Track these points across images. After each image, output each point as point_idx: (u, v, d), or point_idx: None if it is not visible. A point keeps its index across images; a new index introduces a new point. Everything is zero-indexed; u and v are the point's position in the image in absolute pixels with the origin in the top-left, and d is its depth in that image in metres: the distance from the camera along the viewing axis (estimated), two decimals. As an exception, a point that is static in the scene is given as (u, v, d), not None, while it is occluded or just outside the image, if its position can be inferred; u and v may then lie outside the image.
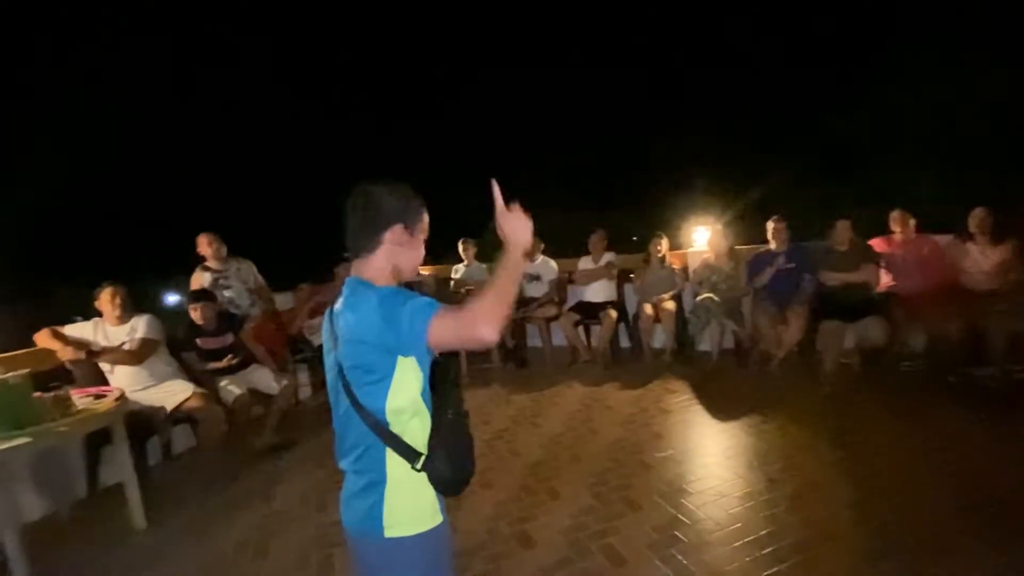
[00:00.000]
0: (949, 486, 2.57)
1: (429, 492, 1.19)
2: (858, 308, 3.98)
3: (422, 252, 1.28)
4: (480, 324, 1.03)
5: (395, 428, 1.16)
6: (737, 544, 2.31)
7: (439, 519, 1.21)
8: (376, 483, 1.17)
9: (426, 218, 1.27)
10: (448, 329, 1.06)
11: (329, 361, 1.24)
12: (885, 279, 4.24)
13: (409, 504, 1.17)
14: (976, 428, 3.13)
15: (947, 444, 2.97)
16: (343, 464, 1.24)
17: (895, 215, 4.24)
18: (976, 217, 3.96)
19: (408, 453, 1.15)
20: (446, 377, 1.23)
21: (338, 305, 1.22)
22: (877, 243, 4.31)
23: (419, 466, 1.15)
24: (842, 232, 4.23)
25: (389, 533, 1.16)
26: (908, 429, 3.22)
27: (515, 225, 1.20)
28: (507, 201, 1.23)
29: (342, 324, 1.18)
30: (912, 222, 4.20)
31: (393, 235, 1.21)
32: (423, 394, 1.19)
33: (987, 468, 2.70)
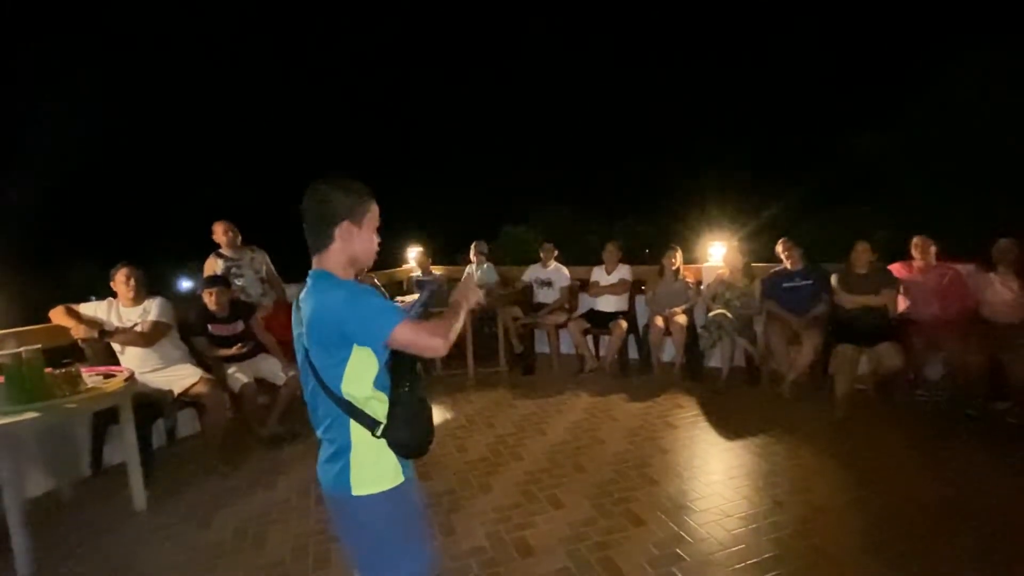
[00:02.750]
0: (963, 521, 2.50)
1: (390, 455, 1.34)
2: (874, 333, 3.91)
3: (375, 240, 1.41)
4: (433, 336, 1.30)
5: (357, 404, 1.31)
6: (739, 566, 2.26)
7: (401, 479, 1.36)
8: (343, 449, 1.33)
9: (375, 209, 1.39)
10: (407, 335, 1.27)
11: (298, 344, 1.39)
12: (901, 304, 4.17)
13: (372, 466, 1.33)
14: (993, 463, 3.05)
15: (962, 478, 2.89)
16: (318, 433, 1.40)
17: (916, 241, 4.16)
18: (1000, 247, 3.88)
19: (369, 423, 1.31)
20: (403, 360, 1.36)
21: (303, 294, 1.38)
22: (896, 268, 4.23)
23: (379, 433, 1.31)
24: (861, 254, 4.16)
25: (356, 491, 1.32)
26: (922, 460, 3.15)
27: (467, 293, 1.50)
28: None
29: (307, 310, 1.32)
30: (933, 249, 4.11)
31: (342, 231, 1.34)
32: (377, 380, 1.32)
33: (1003, 505, 2.63)
